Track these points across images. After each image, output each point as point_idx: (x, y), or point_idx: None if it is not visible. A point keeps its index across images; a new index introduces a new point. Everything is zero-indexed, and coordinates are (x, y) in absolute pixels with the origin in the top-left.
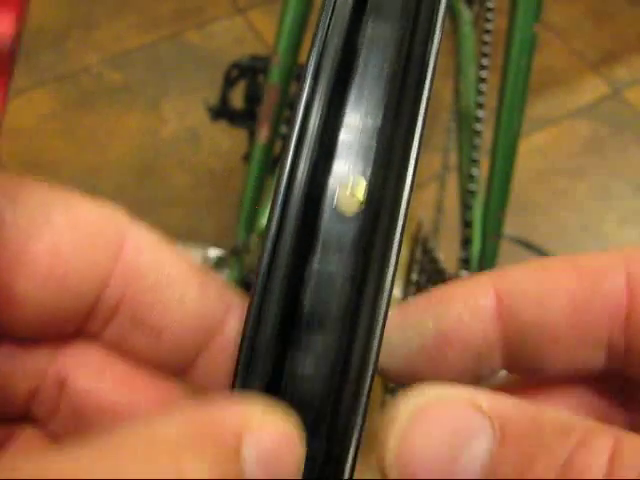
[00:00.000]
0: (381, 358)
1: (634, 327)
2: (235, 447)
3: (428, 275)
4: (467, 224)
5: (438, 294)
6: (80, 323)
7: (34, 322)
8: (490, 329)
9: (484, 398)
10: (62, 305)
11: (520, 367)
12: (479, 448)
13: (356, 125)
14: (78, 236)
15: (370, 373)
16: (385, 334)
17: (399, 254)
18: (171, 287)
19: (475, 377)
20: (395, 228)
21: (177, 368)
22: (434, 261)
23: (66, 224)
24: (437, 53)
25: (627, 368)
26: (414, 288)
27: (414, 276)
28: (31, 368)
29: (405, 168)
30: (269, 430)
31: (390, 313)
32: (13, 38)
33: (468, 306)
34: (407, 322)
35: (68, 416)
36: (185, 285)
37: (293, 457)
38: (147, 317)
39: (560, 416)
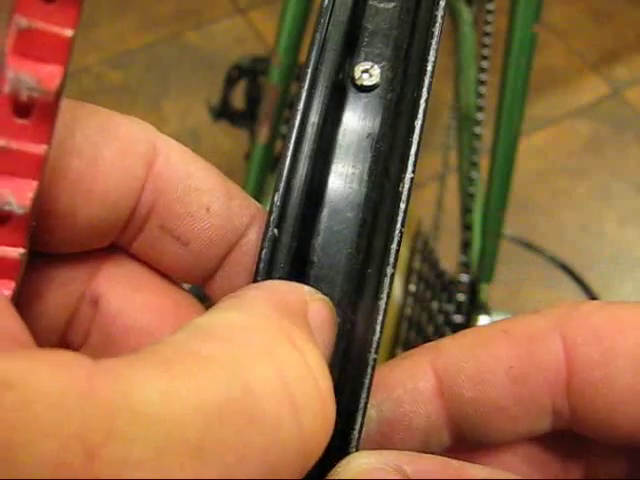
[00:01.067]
0: None
1: (576, 391)
2: (303, 315)
3: (427, 278)
4: (467, 227)
5: (377, 380)
6: (117, 235)
7: (78, 236)
8: (432, 410)
9: (408, 462)
10: (103, 216)
11: (467, 440)
12: None
13: (355, 128)
14: (114, 150)
15: (373, 353)
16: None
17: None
18: (198, 197)
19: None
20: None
21: (201, 277)
22: (434, 262)
23: (102, 139)
24: (437, 53)
25: (574, 427)
26: (413, 289)
27: (414, 277)
28: (71, 289)
29: (405, 166)
30: (320, 304)
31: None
32: (59, 89)
33: (408, 391)
34: None
35: (98, 343)
36: (211, 196)
37: (335, 327)
38: (176, 226)
39: (480, 474)
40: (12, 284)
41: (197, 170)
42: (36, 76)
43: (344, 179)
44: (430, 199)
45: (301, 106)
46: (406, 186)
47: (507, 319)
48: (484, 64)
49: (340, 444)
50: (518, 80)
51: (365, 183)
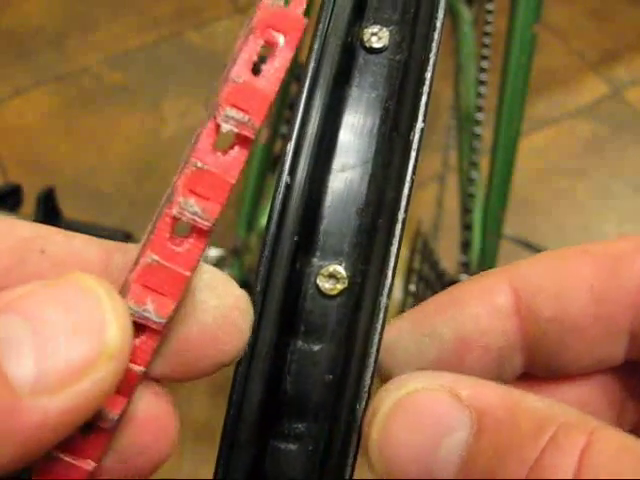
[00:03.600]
0: (396, 370)
1: None
2: None
3: (427, 278)
4: (467, 227)
5: (451, 297)
6: None
7: None
8: (510, 329)
9: (464, 386)
10: None
11: (540, 366)
12: (457, 441)
13: (355, 125)
14: None
15: (352, 457)
16: (399, 345)
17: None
18: (28, 244)
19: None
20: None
21: None
22: (434, 262)
23: None
24: (445, 13)
25: None
26: (414, 287)
27: (414, 277)
28: None
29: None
30: None
31: (401, 323)
32: (216, 221)
33: (485, 306)
34: (421, 331)
35: None
36: (44, 239)
37: None
38: (10, 280)
39: (538, 407)
40: (125, 401)
41: (23, 224)
42: (201, 205)
43: (354, 132)
44: (430, 199)
45: (312, 65)
46: (417, 135)
47: (585, 244)
48: (484, 64)
49: (353, 392)
50: (518, 80)
51: (375, 137)
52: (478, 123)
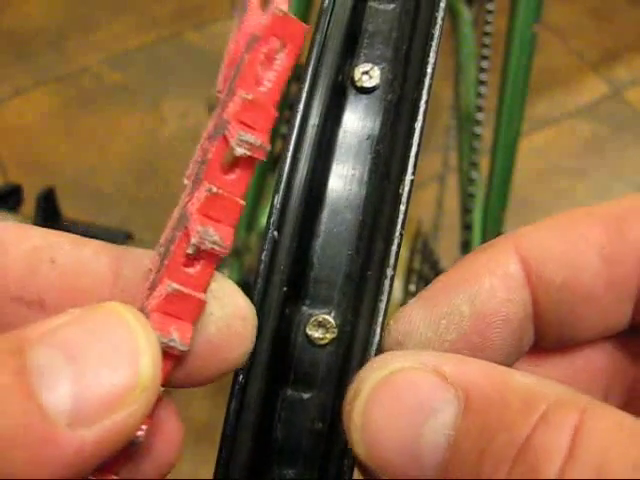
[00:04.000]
0: None
1: None
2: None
3: (427, 278)
4: (467, 227)
5: (460, 273)
6: None
7: None
8: (527, 298)
9: (448, 364)
10: None
11: (550, 336)
12: (443, 421)
13: (346, 169)
14: None
15: None
16: (413, 334)
17: None
18: (39, 254)
19: (516, 355)
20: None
21: None
22: (434, 262)
23: None
24: (437, 55)
25: None
26: (413, 289)
27: (414, 277)
28: None
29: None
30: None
31: (410, 311)
32: (229, 248)
33: (499, 278)
34: (437, 313)
35: None
36: (53, 248)
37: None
38: (24, 291)
39: (527, 384)
40: (150, 421)
41: (35, 231)
42: (219, 233)
43: (344, 181)
44: (430, 199)
45: (301, 107)
46: (406, 188)
47: (589, 206)
48: (484, 64)
49: (342, 441)
50: (518, 80)
51: (365, 185)
52: (478, 123)
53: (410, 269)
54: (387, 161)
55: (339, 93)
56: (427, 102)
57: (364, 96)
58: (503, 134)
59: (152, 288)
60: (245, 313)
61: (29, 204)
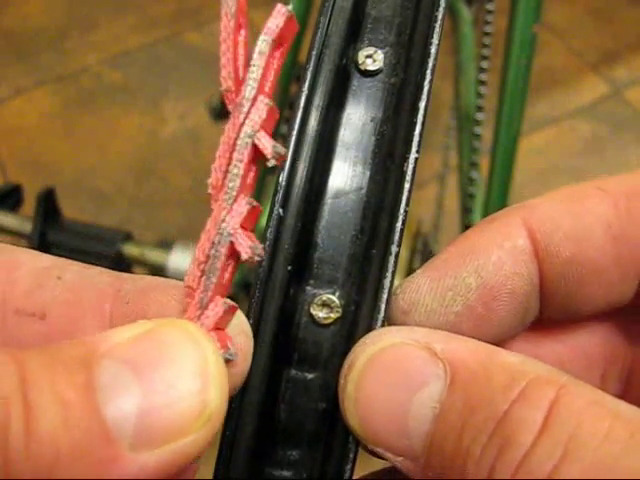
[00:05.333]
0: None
1: None
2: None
3: None
4: (467, 227)
5: (467, 245)
6: None
7: None
8: (534, 271)
9: (439, 340)
10: None
11: (554, 309)
12: (430, 394)
13: (350, 150)
14: None
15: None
16: (419, 305)
17: None
18: (48, 272)
19: (520, 327)
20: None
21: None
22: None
23: None
24: (440, 37)
25: None
26: None
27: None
28: None
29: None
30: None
31: (418, 281)
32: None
33: (506, 251)
34: (443, 284)
35: None
36: (62, 269)
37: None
38: (28, 303)
39: (511, 362)
40: None
41: (47, 257)
42: (260, 245)
43: (348, 162)
44: (430, 199)
45: (305, 89)
46: (410, 166)
47: (598, 179)
48: (484, 64)
49: None
50: (518, 80)
51: (369, 165)
52: (478, 123)
53: (410, 269)
54: (391, 141)
55: (343, 76)
56: (431, 82)
57: (368, 79)
58: (503, 134)
59: (203, 307)
60: (247, 328)
61: (29, 204)
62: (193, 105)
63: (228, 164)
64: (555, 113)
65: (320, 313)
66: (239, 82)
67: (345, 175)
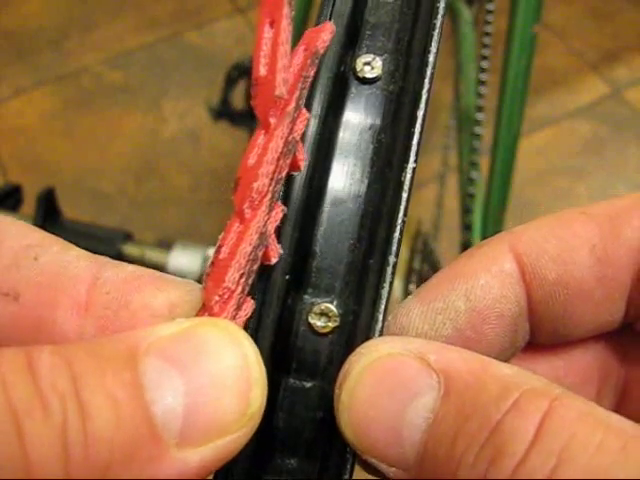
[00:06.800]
0: None
1: None
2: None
3: (427, 278)
4: (467, 227)
5: (456, 270)
6: None
7: None
8: (521, 294)
9: (433, 351)
10: None
11: (544, 333)
12: (424, 404)
13: (348, 158)
14: None
15: None
16: (410, 328)
17: None
18: (27, 251)
19: (511, 351)
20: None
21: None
22: (434, 262)
23: None
24: (438, 45)
25: None
26: (414, 287)
27: (414, 277)
28: None
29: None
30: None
31: (409, 306)
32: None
33: (495, 275)
34: (433, 308)
35: None
36: (41, 248)
37: None
38: (2, 281)
39: (505, 374)
40: None
41: (34, 232)
42: (280, 248)
43: (346, 170)
44: (430, 199)
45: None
46: (408, 175)
47: (583, 206)
48: (484, 64)
49: None
50: (518, 80)
51: (367, 174)
52: (478, 123)
53: (410, 269)
54: (389, 150)
55: (341, 84)
56: (429, 91)
57: (366, 87)
58: (503, 134)
59: (239, 308)
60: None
61: (29, 204)
62: (193, 105)
63: (274, 171)
64: (555, 113)
65: (318, 322)
66: (292, 90)
67: (343, 183)
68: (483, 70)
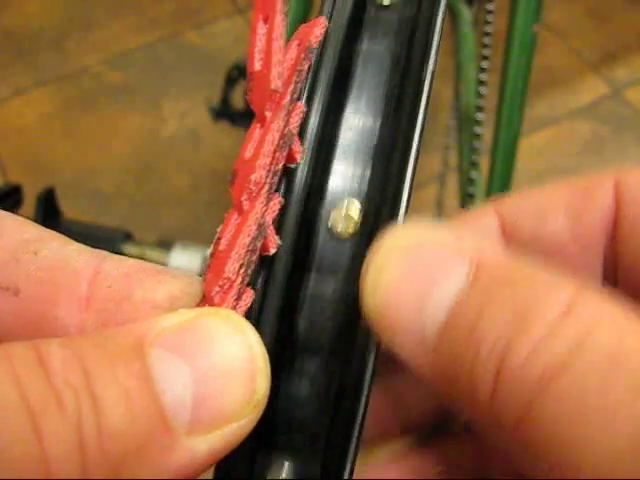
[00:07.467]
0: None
1: (623, 230)
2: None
3: None
4: None
5: (443, 227)
6: None
7: None
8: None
9: (467, 237)
10: None
11: None
12: (452, 287)
13: (355, 125)
14: None
15: (365, 395)
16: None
17: None
18: (27, 245)
19: None
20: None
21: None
22: None
23: None
24: (436, 54)
25: (619, 280)
26: None
27: None
28: None
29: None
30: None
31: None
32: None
33: (476, 230)
34: None
35: None
36: (41, 243)
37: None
38: (1, 276)
39: (539, 273)
40: None
41: (32, 227)
42: (278, 238)
43: (368, 83)
44: (430, 199)
45: (305, 92)
46: (430, 68)
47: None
48: (484, 64)
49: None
50: (518, 80)
51: (384, 82)
52: (478, 123)
53: None
54: (390, 144)
55: (360, 10)
56: (444, 12)
57: (383, 12)
58: (503, 134)
59: (239, 298)
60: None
61: (29, 204)
62: (193, 105)
63: (271, 163)
64: (555, 113)
65: (339, 226)
66: (287, 84)
67: (362, 102)
68: (483, 70)
